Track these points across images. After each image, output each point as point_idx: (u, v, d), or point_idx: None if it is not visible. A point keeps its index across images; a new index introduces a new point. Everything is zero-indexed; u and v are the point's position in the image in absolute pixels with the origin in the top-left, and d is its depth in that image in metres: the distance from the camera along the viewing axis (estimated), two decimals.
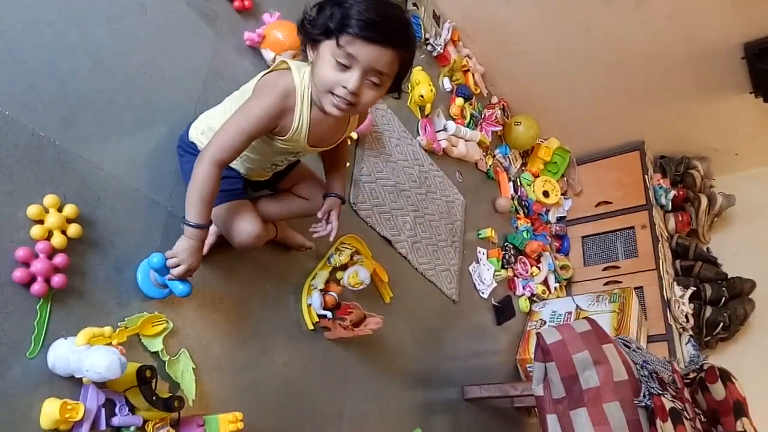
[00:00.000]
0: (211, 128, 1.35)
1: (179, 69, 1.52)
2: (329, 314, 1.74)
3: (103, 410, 1.16)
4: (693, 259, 3.44)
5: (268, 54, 1.75)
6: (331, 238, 1.52)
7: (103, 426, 1.16)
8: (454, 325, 2.50)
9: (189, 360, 1.37)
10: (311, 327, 1.73)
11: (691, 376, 2.14)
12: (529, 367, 2.89)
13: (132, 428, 1.20)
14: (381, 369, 2.01)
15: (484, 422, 2.53)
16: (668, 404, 2.00)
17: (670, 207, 3.52)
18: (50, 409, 1.08)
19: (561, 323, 2.82)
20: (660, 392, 2.02)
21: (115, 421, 1.18)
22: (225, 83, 1.63)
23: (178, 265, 1.25)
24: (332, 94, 1.22)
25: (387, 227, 2.19)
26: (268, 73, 1.32)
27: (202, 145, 1.33)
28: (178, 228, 1.40)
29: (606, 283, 3.36)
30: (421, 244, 2.37)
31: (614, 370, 2.04)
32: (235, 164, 1.38)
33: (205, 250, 1.36)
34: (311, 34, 1.22)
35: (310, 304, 1.74)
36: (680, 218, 3.53)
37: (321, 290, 1.77)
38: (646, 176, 3.48)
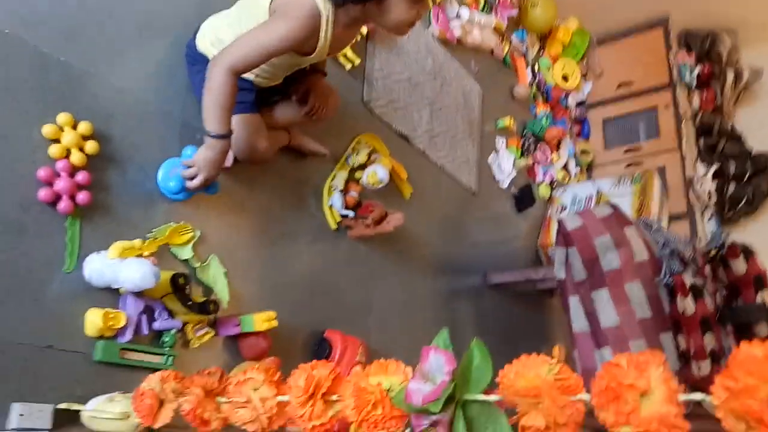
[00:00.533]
0: (221, 40, 1.32)
1: None
2: (351, 213, 1.76)
3: (143, 317, 1.22)
4: (717, 136, 3.37)
5: None
6: (309, 112, 1.54)
7: (145, 331, 1.22)
8: (474, 215, 2.53)
9: (219, 264, 1.42)
10: (334, 227, 1.77)
11: (713, 253, 2.16)
12: (551, 251, 2.94)
13: (173, 331, 1.27)
14: (404, 262, 2.06)
15: (507, 306, 2.61)
16: (689, 281, 2.04)
17: (695, 84, 3.40)
18: (93, 318, 1.14)
19: (582, 209, 2.83)
20: (681, 270, 2.06)
21: (156, 325, 1.25)
22: None
23: (195, 175, 1.27)
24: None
25: (403, 123, 2.16)
26: None
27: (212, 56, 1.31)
28: (194, 138, 1.41)
29: (627, 166, 3.33)
30: (439, 137, 2.35)
31: (635, 251, 2.06)
32: (248, 74, 1.36)
33: (229, 162, 1.37)
34: None
35: (331, 205, 1.76)
36: (705, 95, 3.42)
37: (341, 191, 1.78)
38: (670, 54, 3.34)
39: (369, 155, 1.92)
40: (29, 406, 1.03)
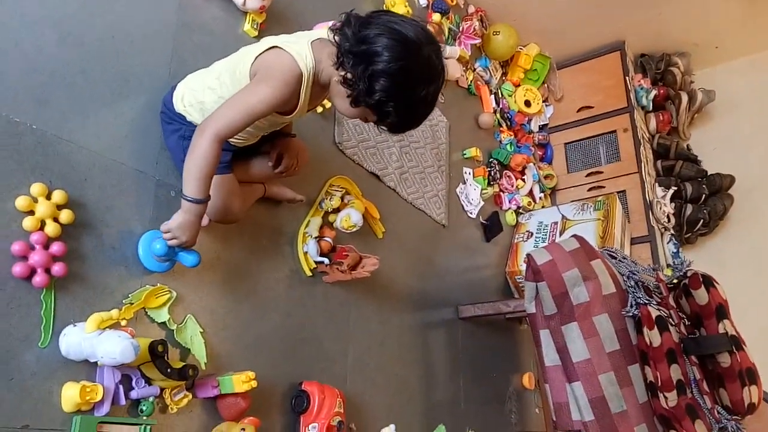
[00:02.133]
0: (202, 103, 1.33)
1: (147, 28, 1.45)
2: (326, 260, 1.77)
3: (120, 387, 1.20)
4: (674, 158, 3.48)
5: None
6: (277, 171, 1.57)
7: (122, 401, 1.20)
8: (445, 248, 2.56)
9: (196, 324, 1.40)
10: (309, 274, 1.77)
11: (675, 281, 2.23)
12: (518, 278, 2.99)
13: (151, 398, 1.25)
14: (379, 302, 2.07)
15: (478, 336, 2.64)
16: (654, 312, 2.10)
17: (651, 107, 3.52)
18: (70, 393, 1.12)
19: (550, 242, 2.88)
20: (646, 301, 2.12)
21: (134, 394, 1.23)
22: (197, 35, 1.57)
23: (172, 239, 1.25)
24: None
25: (374, 162, 2.18)
26: (263, 53, 1.26)
27: (192, 117, 1.31)
28: (169, 197, 1.40)
29: (590, 189, 3.41)
30: (409, 173, 2.38)
31: (603, 284, 2.12)
32: None
33: (205, 222, 1.35)
34: (355, 89, 1.22)
35: (306, 252, 1.76)
36: (661, 118, 3.54)
37: (316, 237, 1.78)
38: (627, 77, 3.44)
39: (342, 198, 1.93)
40: None
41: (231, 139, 1.36)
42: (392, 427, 1.74)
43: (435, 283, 2.44)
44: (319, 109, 1.95)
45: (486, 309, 2.52)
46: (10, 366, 1.07)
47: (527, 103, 3.42)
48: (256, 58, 1.26)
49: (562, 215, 3.08)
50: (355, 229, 1.86)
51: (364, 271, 1.78)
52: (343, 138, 2.04)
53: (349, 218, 1.85)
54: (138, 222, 1.33)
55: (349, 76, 1.22)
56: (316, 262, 1.77)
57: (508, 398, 2.70)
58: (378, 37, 1.18)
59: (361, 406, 1.86)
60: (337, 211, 1.90)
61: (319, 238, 1.80)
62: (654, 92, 3.52)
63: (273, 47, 1.25)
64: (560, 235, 2.98)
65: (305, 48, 1.25)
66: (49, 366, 1.13)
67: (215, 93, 1.31)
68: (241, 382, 1.37)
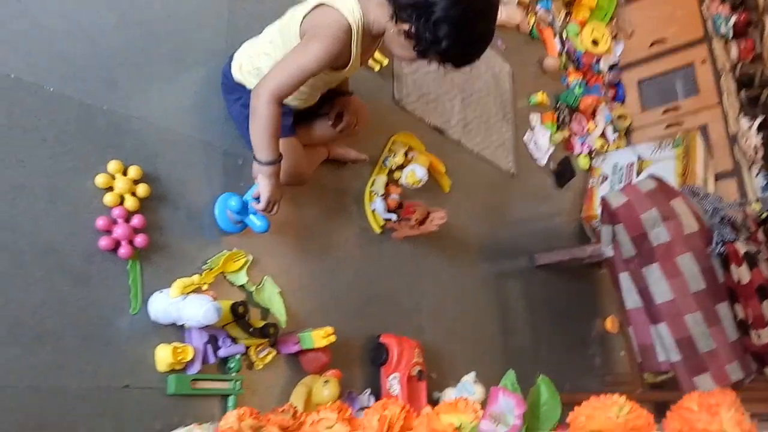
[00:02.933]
0: (259, 69, 1.35)
1: (201, 1, 1.48)
2: (394, 216, 1.78)
3: (209, 347, 1.27)
4: (759, 87, 3.25)
5: None
6: (338, 129, 1.57)
7: (212, 359, 1.28)
8: (515, 197, 2.52)
9: (273, 285, 1.46)
10: (379, 231, 1.79)
11: (765, 216, 2.11)
12: (595, 223, 2.91)
13: (238, 356, 1.32)
14: (451, 254, 2.07)
15: (556, 283, 2.61)
16: (742, 248, 2.00)
17: (731, 35, 3.28)
18: (163, 354, 1.20)
19: (625, 183, 2.78)
20: (733, 238, 2.02)
21: (222, 353, 1.30)
22: (250, 4, 1.59)
23: (267, 206, 1.31)
24: None
25: (436, 115, 2.15)
26: (310, 11, 1.27)
27: (251, 85, 1.33)
28: (236, 165, 1.45)
29: (667, 126, 3.25)
30: (473, 124, 2.34)
31: (684, 223, 2.03)
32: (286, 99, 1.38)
33: None
34: (420, 42, 1.22)
35: (373, 210, 1.78)
36: (743, 45, 3.30)
37: (382, 195, 1.80)
38: (702, 6, 3.22)
39: (406, 154, 1.92)
40: None
41: (290, 102, 1.38)
42: (472, 374, 1.76)
43: (507, 232, 2.41)
44: (376, 68, 1.94)
45: (561, 255, 2.48)
46: (107, 332, 1.15)
47: (595, 43, 3.26)
48: (304, 17, 1.27)
49: (638, 155, 2.95)
50: (420, 185, 1.86)
51: (433, 225, 1.78)
52: (402, 94, 2.03)
53: (414, 174, 1.85)
54: (209, 191, 1.38)
55: (412, 29, 1.21)
56: (384, 219, 1.79)
57: (590, 343, 2.66)
58: None
59: (440, 356, 1.89)
60: (401, 167, 1.90)
61: (386, 196, 1.81)
62: (734, 18, 3.28)
63: (319, 5, 1.25)
64: (637, 176, 2.87)
65: (351, 1, 1.24)
66: (142, 330, 1.20)
67: (270, 58, 1.32)
68: (320, 337, 1.42)
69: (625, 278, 2.11)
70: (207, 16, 1.49)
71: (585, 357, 2.61)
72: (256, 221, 1.33)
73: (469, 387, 1.73)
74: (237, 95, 1.41)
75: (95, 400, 1.11)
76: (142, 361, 1.19)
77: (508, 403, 0.68)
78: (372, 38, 1.32)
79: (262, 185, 1.29)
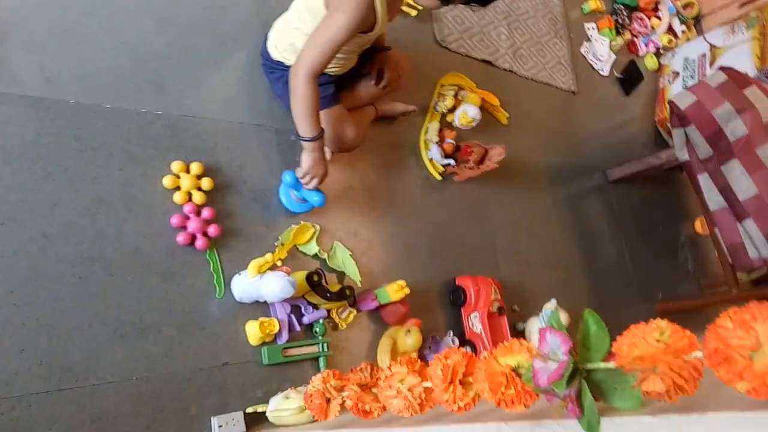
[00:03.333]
0: (293, 45, 1.38)
1: None
2: (452, 161, 1.80)
3: (292, 316, 1.37)
4: None
5: None
6: (381, 86, 1.58)
7: (298, 327, 1.37)
8: (580, 115, 2.44)
9: (344, 249, 1.53)
10: (439, 178, 1.81)
11: None
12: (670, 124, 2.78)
13: (321, 321, 1.41)
14: (518, 188, 2.07)
15: (634, 194, 2.54)
16: None
17: None
18: (253, 330, 1.30)
19: (693, 84, 2.62)
20: None
21: (305, 319, 1.39)
22: None
23: (311, 180, 1.37)
24: None
25: (482, 48, 2.11)
26: None
27: (289, 61, 1.37)
28: (290, 142, 1.50)
29: (741, 5, 3.00)
30: (523, 48, 2.27)
31: (761, 111, 1.92)
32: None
33: (328, 155, 1.46)
34: None
35: (431, 158, 1.80)
36: None
37: (437, 142, 1.81)
38: None
39: (456, 96, 1.91)
40: (224, 417, 1.22)
41: (329, 70, 1.41)
42: (553, 301, 1.78)
43: (575, 153, 2.36)
44: (413, 13, 1.92)
45: (636, 167, 2.40)
46: (199, 318, 1.27)
47: None
48: None
49: (710, 44, 2.76)
50: (474, 124, 1.85)
51: (492, 163, 1.78)
52: (444, 34, 2.00)
53: (466, 114, 1.85)
54: (269, 171, 1.46)
55: None
56: (443, 165, 1.80)
57: (680, 248, 2.59)
58: None
59: (520, 288, 1.92)
60: (452, 110, 1.90)
61: (441, 142, 1.82)
62: None
63: None
64: (710, 67, 2.69)
65: None
66: (230, 311, 1.31)
67: (301, 32, 1.35)
68: (395, 291, 1.48)
69: (704, 180, 2.03)
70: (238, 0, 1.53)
71: (677, 264, 2.55)
72: (313, 196, 1.39)
73: (549, 314, 1.76)
74: (278, 73, 1.45)
75: (201, 380, 1.23)
76: (235, 338, 1.30)
77: (555, 341, 0.71)
78: None
79: (303, 160, 1.35)
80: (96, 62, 1.27)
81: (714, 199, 2.01)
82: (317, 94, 1.30)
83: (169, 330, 1.22)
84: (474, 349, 1.64)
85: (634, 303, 2.32)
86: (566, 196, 2.25)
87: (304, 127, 1.32)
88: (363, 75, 1.60)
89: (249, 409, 1.26)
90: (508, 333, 1.69)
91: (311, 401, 1.05)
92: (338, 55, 1.36)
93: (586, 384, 0.70)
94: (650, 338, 0.62)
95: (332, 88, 1.47)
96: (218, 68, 1.46)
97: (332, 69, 1.44)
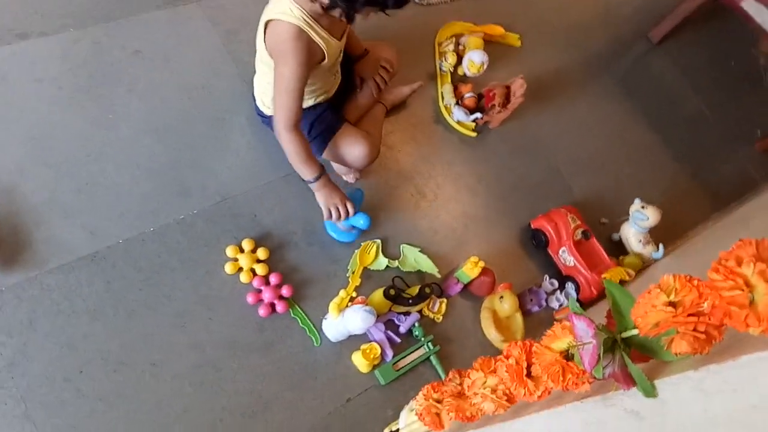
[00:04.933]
0: (273, 99, 1.40)
1: (204, 65, 1.58)
2: (478, 115, 1.76)
3: (389, 333, 1.44)
4: None
5: None
6: (376, 91, 1.57)
7: (397, 340, 1.45)
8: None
9: (411, 247, 1.57)
10: (474, 134, 1.79)
11: None
12: None
13: (416, 323, 1.47)
14: (558, 100, 1.99)
15: (687, 47, 2.34)
16: None
17: None
18: (359, 360, 1.39)
19: None
20: None
21: (402, 329, 1.46)
22: (244, 33, 1.65)
23: (337, 216, 1.42)
24: None
25: None
26: (264, 34, 1.30)
27: None
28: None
29: None
30: None
31: None
32: (310, 102, 1.45)
33: (351, 179, 1.52)
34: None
35: (458, 121, 1.78)
36: None
37: (457, 102, 1.78)
38: None
39: (456, 48, 1.87)
40: None
41: (317, 100, 1.45)
42: (637, 201, 1.71)
43: (603, 34, 2.23)
44: None
45: (676, 17, 2.20)
46: (309, 370, 1.37)
47: None
48: (264, 42, 1.30)
49: None
50: (485, 68, 1.81)
51: (518, 98, 1.73)
52: None
53: (473, 62, 1.80)
54: (311, 212, 1.51)
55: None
56: (472, 122, 1.78)
57: (764, 72, 2.36)
58: None
59: (600, 199, 1.86)
60: (459, 62, 1.85)
61: (461, 100, 1.79)
62: None
63: (266, 23, 1.28)
64: None
65: (287, 3, 1.23)
66: (333, 353, 1.41)
67: (272, 85, 1.38)
68: (471, 269, 1.51)
69: (749, 5, 1.84)
70: (216, 71, 1.59)
71: (764, 90, 2.33)
72: (358, 220, 1.44)
73: (638, 215, 1.70)
74: None
75: (335, 423, 1.34)
76: (348, 374, 1.40)
77: (582, 326, 0.72)
78: (329, 19, 1.27)
79: (319, 201, 1.41)
80: (123, 198, 1.39)
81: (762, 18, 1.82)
82: (303, 140, 1.35)
83: (288, 394, 1.34)
84: (575, 283, 1.63)
85: (733, 152, 2.17)
86: (613, 81, 2.13)
87: (303, 172, 1.38)
88: (355, 85, 1.60)
89: (386, 431, 1.35)
90: (602, 251, 1.66)
91: (424, 419, 1.11)
92: (311, 88, 1.39)
93: (629, 351, 0.70)
94: (659, 304, 0.62)
95: (330, 113, 1.49)
96: (226, 145, 1.53)
97: (319, 98, 1.47)
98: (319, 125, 1.46)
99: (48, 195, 1.33)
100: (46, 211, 1.31)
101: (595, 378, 0.74)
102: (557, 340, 0.79)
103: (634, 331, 0.70)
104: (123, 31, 1.57)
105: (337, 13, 1.20)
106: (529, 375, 0.85)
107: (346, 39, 1.43)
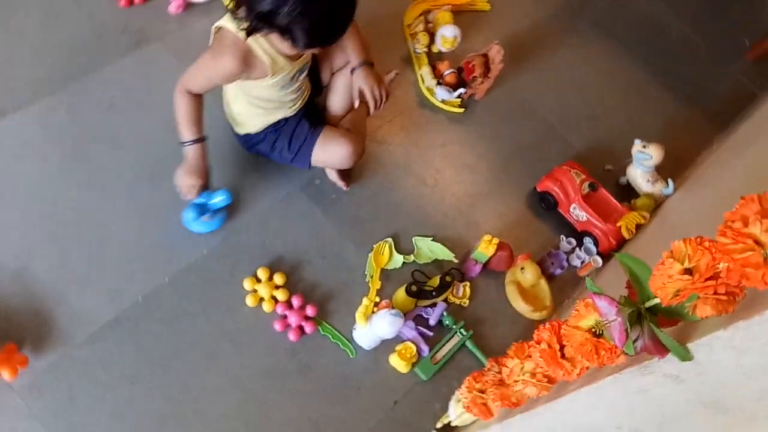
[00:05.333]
0: (238, 113, 1.44)
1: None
2: (461, 90, 1.74)
3: (419, 328, 1.44)
4: None
5: None
6: (381, 107, 1.50)
7: (430, 333, 1.46)
8: None
9: (423, 239, 1.57)
10: (461, 110, 1.77)
11: None
12: None
13: (444, 313, 1.48)
14: (538, 57, 1.97)
15: None
16: None
17: None
18: (396, 361, 1.40)
19: None
20: None
21: (432, 322, 1.47)
22: None
23: (185, 192, 1.38)
24: None
25: None
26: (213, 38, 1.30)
27: (252, 128, 1.43)
28: (318, 187, 1.56)
29: None
30: None
31: None
32: (274, 117, 1.45)
33: (345, 187, 1.52)
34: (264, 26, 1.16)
35: (442, 100, 1.76)
36: None
37: (438, 82, 1.76)
38: None
39: (426, 27, 1.84)
40: None
41: (280, 115, 1.44)
42: (637, 141, 1.69)
43: None
44: None
45: None
46: (350, 382, 1.38)
47: None
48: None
49: None
50: (458, 41, 1.78)
51: (497, 65, 1.71)
52: None
53: (445, 38, 1.78)
54: (317, 224, 1.52)
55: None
56: (457, 98, 1.76)
57: None
58: None
59: (601, 146, 1.85)
60: (432, 41, 1.83)
61: (441, 79, 1.77)
62: None
63: (216, 30, 1.29)
64: None
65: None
66: (370, 360, 1.41)
67: (233, 101, 1.43)
68: (486, 248, 1.50)
69: None
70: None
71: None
72: (215, 199, 1.40)
73: (641, 155, 1.68)
74: (253, 141, 1.50)
75: (386, 428, 1.35)
76: (389, 377, 1.41)
77: (604, 305, 0.71)
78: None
79: (176, 176, 1.38)
80: (132, 254, 1.39)
81: None
82: (192, 105, 1.34)
83: (335, 410, 1.35)
84: (592, 237, 1.62)
85: (725, 68, 2.13)
86: (589, 26, 2.09)
87: (182, 133, 1.35)
88: (333, 93, 1.55)
89: (438, 425, 1.36)
90: (613, 199, 1.64)
91: (472, 410, 1.12)
92: (269, 105, 1.40)
93: (656, 319, 0.70)
94: (675, 274, 0.61)
95: (303, 125, 1.48)
96: (219, 178, 1.52)
97: (280, 114, 1.45)
98: (296, 141, 1.46)
99: (59, 270, 1.34)
100: (61, 287, 1.32)
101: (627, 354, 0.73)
102: (583, 318, 0.79)
103: (657, 300, 0.69)
104: (93, 87, 1.56)
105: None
106: (563, 356, 0.85)
107: (337, 50, 1.43)
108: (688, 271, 0.62)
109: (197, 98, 1.34)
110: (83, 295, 1.33)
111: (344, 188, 1.56)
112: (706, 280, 0.60)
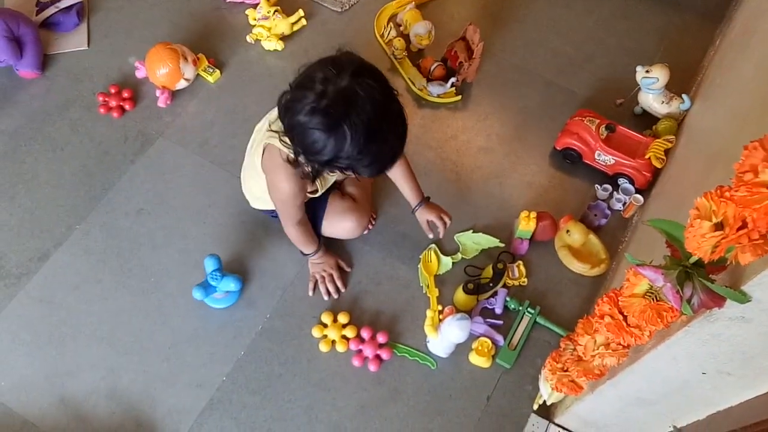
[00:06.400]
0: (260, 194, 1.43)
1: (200, 185, 1.63)
2: (452, 79, 1.75)
3: (487, 320, 1.47)
4: None
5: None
6: (445, 229, 1.53)
7: (500, 322, 1.48)
8: None
9: (464, 233, 1.59)
10: (458, 98, 1.79)
11: None
12: None
13: (507, 298, 1.50)
14: (516, 17, 1.95)
15: None
16: None
17: None
18: (477, 359, 1.43)
19: None
20: None
21: (498, 310, 1.49)
22: (212, 139, 1.69)
23: (326, 284, 1.50)
24: None
25: None
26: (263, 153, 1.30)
27: (271, 205, 1.42)
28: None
29: None
30: None
31: None
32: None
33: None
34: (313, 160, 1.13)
35: (437, 95, 1.77)
36: None
37: (429, 80, 1.78)
38: None
39: (397, 31, 1.85)
40: (527, 429, 1.36)
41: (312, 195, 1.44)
42: (639, 68, 1.67)
43: None
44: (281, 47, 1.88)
45: None
46: (441, 392, 1.41)
47: None
48: (261, 163, 1.32)
49: None
50: (433, 34, 1.79)
51: (477, 47, 1.70)
52: (337, 1, 1.94)
53: (419, 35, 1.79)
54: (367, 255, 1.57)
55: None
56: (450, 88, 1.77)
57: None
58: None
59: (606, 85, 1.84)
60: (409, 42, 1.84)
61: (429, 75, 1.78)
62: None
63: (265, 147, 1.29)
64: None
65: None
66: (451, 366, 1.45)
67: (257, 184, 1.42)
68: (526, 224, 1.51)
69: None
70: (204, 182, 1.65)
71: None
72: (229, 284, 1.46)
73: (647, 81, 1.66)
74: (270, 214, 1.53)
75: (487, 424, 1.39)
76: (474, 375, 1.44)
77: (650, 273, 0.72)
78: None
79: (311, 270, 1.53)
80: (203, 341, 1.45)
81: None
82: (305, 231, 1.43)
83: (436, 423, 1.39)
84: (626, 177, 1.61)
85: None
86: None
87: (303, 248, 1.48)
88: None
89: (535, 406, 1.39)
90: (634, 133, 1.63)
91: (561, 390, 1.14)
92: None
93: (704, 272, 0.71)
94: (707, 232, 0.62)
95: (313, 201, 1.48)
96: (258, 243, 1.58)
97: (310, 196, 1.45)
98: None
99: (144, 377, 1.41)
100: (151, 391, 1.40)
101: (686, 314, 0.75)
102: (636, 285, 0.80)
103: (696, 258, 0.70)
104: (117, 199, 1.63)
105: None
106: (629, 325, 0.87)
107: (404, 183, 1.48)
108: (719, 226, 0.63)
109: (302, 222, 1.41)
110: (173, 392, 1.40)
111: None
112: (738, 230, 0.61)
